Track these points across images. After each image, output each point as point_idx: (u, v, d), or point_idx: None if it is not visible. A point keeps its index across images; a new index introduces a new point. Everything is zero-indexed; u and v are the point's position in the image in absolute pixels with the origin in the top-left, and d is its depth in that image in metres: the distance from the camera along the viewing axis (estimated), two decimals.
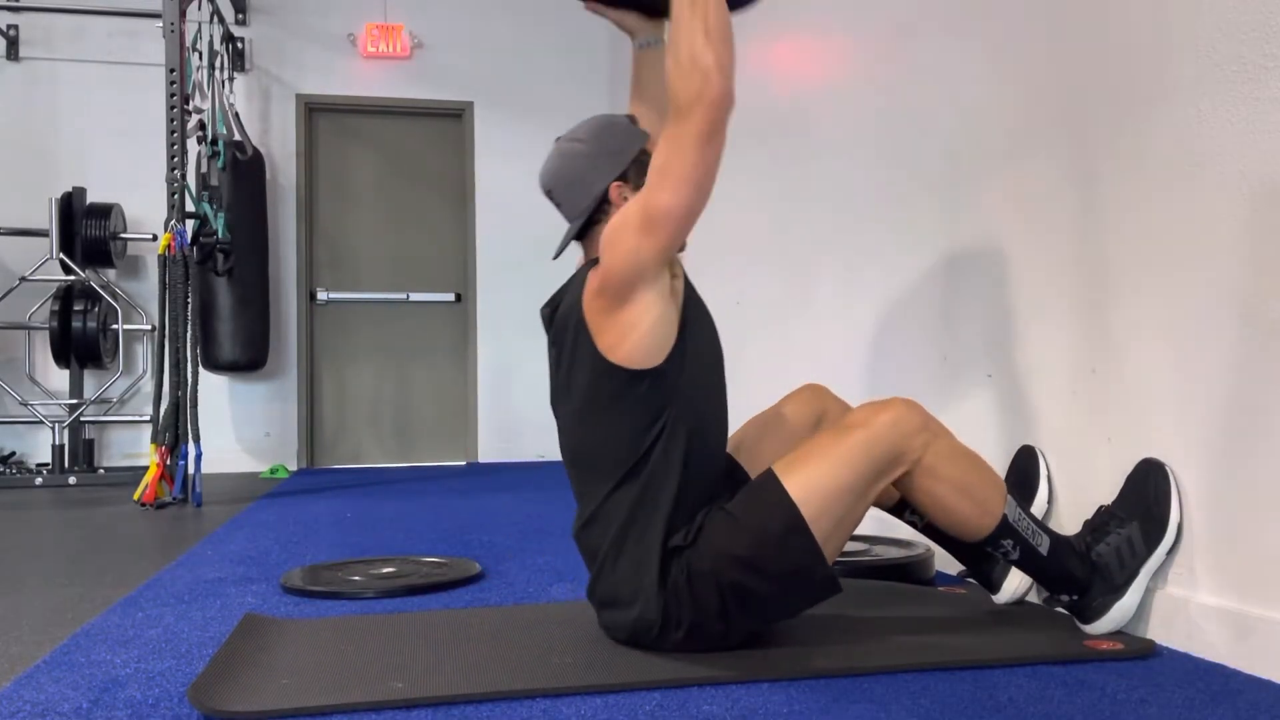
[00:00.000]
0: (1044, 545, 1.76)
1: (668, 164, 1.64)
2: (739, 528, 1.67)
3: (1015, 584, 1.98)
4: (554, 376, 1.84)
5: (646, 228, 1.65)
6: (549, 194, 1.87)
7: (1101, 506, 1.86)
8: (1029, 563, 1.78)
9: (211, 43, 5.42)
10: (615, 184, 1.80)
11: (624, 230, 1.67)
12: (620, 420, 1.71)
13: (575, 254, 1.94)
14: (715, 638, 1.71)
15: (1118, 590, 1.76)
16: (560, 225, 1.90)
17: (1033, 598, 2.08)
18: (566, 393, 1.80)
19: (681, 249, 1.82)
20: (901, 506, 1.95)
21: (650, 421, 1.70)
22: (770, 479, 1.69)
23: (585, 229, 1.85)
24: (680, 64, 1.63)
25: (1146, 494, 1.80)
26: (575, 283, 1.80)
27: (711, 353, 1.83)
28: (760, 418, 2.00)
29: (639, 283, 1.67)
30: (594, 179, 1.81)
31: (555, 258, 2.02)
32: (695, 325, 1.78)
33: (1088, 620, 1.79)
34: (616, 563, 1.72)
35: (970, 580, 2.09)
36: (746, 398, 3.76)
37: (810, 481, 1.66)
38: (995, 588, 2.00)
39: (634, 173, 1.80)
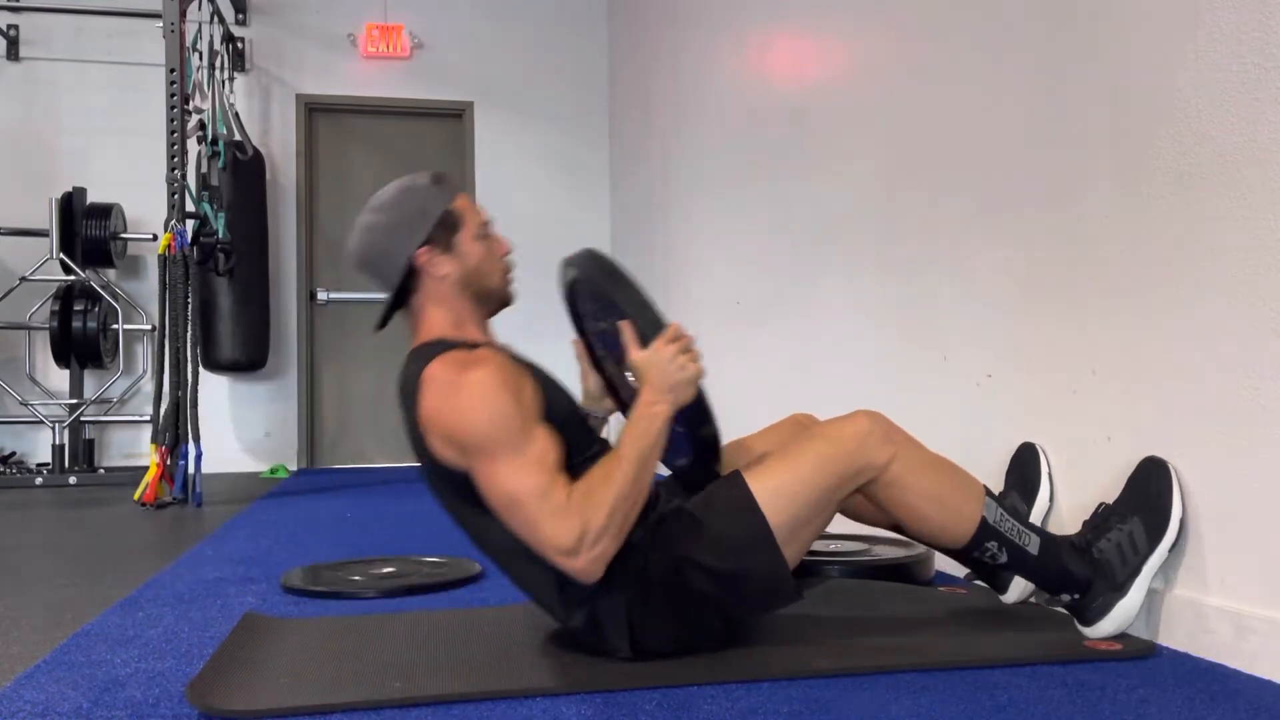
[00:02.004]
0: (1033, 545, 1.76)
1: (512, 505, 1.58)
2: (704, 533, 1.66)
3: (1023, 584, 1.97)
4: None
5: (470, 460, 1.60)
6: (362, 271, 1.79)
7: (1102, 504, 1.86)
8: (1020, 564, 1.78)
9: (211, 43, 5.42)
10: (422, 250, 1.72)
11: (458, 435, 1.59)
12: (480, 513, 1.65)
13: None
14: (693, 642, 1.70)
15: (1120, 589, 1.75)
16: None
17: (1037, 598, 2.08)
18: (435, 488, 1.74)
19: (507, 303, 1.82)
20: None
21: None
22: (736, 482, 1.69)
23: (401, 300, 1.77)
24: (586, 528, 1.55)
25: (1148, 490, 1.79)
26: (408, 382, 1.67)
27: (571, 414, 1.75)
28: (742, 441, 1.99)
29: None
30: (398, 249, 1.73)
31: (377, 329, 1.85)
32: (553, 405, 1.69)
33: (1090, 621, 1.76)
34: (570, 612, 1.70)
35: (977, 581, 2.08)
36: (746, 397, 3.77)
37: (774, 488, 1.67)
38: (1003, 588, 2.00)
39: (439, 235, 1.73)
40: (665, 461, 1.82)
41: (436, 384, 1.61)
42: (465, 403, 1.58)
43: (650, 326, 1.63)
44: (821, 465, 1.69)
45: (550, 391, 1.71)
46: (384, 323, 1.82)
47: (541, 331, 3.49)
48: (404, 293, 1.77)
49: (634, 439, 1.60)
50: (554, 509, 1.55)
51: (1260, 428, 1.63)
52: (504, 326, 1.86)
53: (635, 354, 1.64)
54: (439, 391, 1.61)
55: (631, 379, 1.70)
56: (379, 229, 1.76)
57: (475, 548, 1.77)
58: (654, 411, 1.61)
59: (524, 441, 1.58)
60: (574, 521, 1.54)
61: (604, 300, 1.71)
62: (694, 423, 1.71)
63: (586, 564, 1.56)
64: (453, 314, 1.76)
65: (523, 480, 1.56)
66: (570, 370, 1.92)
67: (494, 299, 1.81)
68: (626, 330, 1.65)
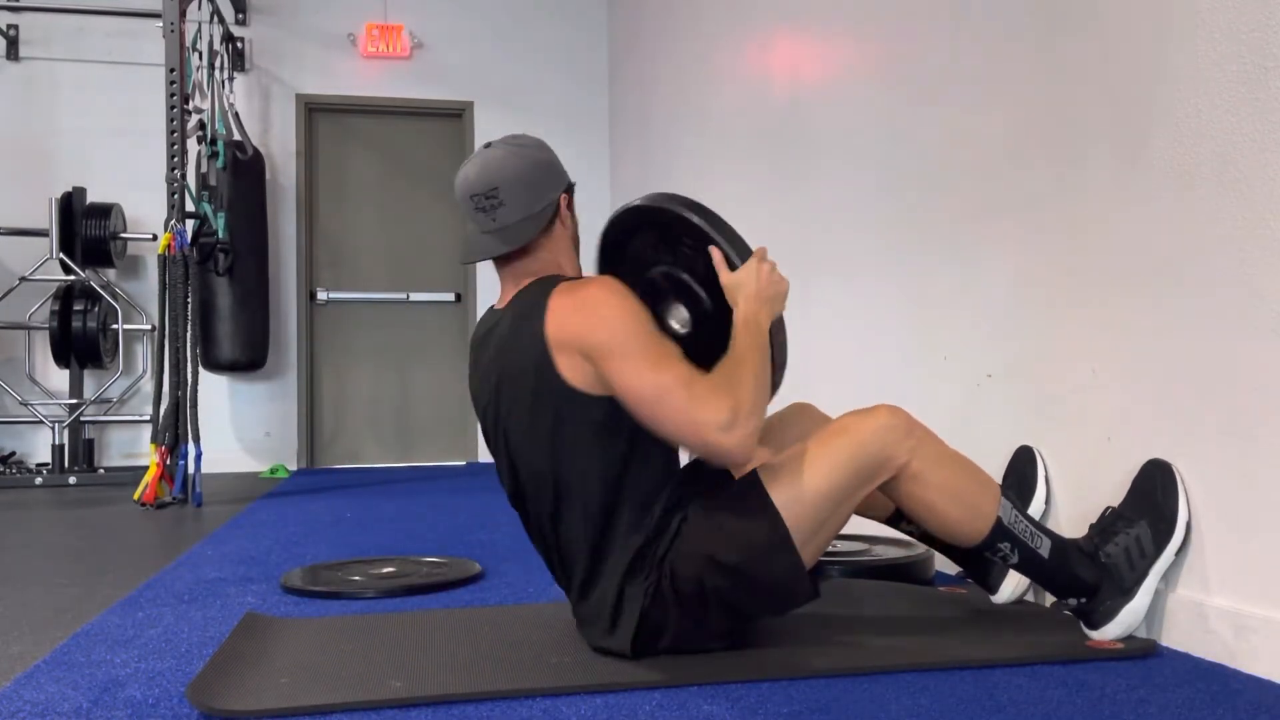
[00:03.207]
0: (1044, 547, 1.75)
1: (662, 395, 1.60)
2: (723, 533, 1.66)
3: (1014, 584, 1.98)
4: (496, 404, 1.75)
5: (604, 370, 1.64)
6: (489, 193, 1.72)
7: (1108, 508, 1.85)
8: (1030, 566, 1.77)
9: (211, 43, 5.42)
10: (565, 195, 1.81)
11: (608, 357, 1.63)
12: (586, 445, 1.68)
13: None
14: (699, 641, 1.70)
15: (1127, 593, 1.74)
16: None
17: (1031, 597, 2.08)
18: (513, 416, 1.73)
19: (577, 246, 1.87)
20: (898, 516, 1.95)
21: (620, 444, 1.68)
22: (754, 483, 1.69)
23: (533, 238, 1.76)
24: (739, 405, 1.60)
25: (1154, 494, 1.79)
26: (531, 308, 1.69)
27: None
28: None
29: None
30: (549, 185, 1.78)
31: (475, 260, 1.79)
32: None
33: (1096, 625, 1.76)
34: (592, 588, 1.72)
35: (970, 580, 2.09)
36: None
37: (794, 487, 1.67)
38: (994, 588, 2.00)
39: (570, 191, 1.84)
40: None
41: (569, 300, 1.67)
42: (600, 310, 1.65)
43: (740, 249, 1.74)
44: (842, 462, 1.68)
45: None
46: (507, 252, 1.76)
47: None
48: (540, 232, 1.78)
49: (748, 340, 1.67)
50: (704, 390, 1.60)
51: (1260, 428, 1.63)
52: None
53: (727, 276, 1.72)
54: (574, 305, 1.66)
55: (707, 303, 1.79)
56: (530, 159, 1.78)
57: (536, 511, 1.75)
58: (757, 320, 1.69)
59: (658, 340, 1.66)
60: (726, 399, 1.59)
61: (683, 233, 1.77)
62: (773, 335, 1.78)
63: (744, 438, 1.60)
64: (567, 260, 1.83)
65: (666, 372, 1.61)
66: None
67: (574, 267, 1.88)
68: (716, 255, 1.73)
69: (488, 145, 1.80)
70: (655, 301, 1.83)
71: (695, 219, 1.74)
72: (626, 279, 1.81)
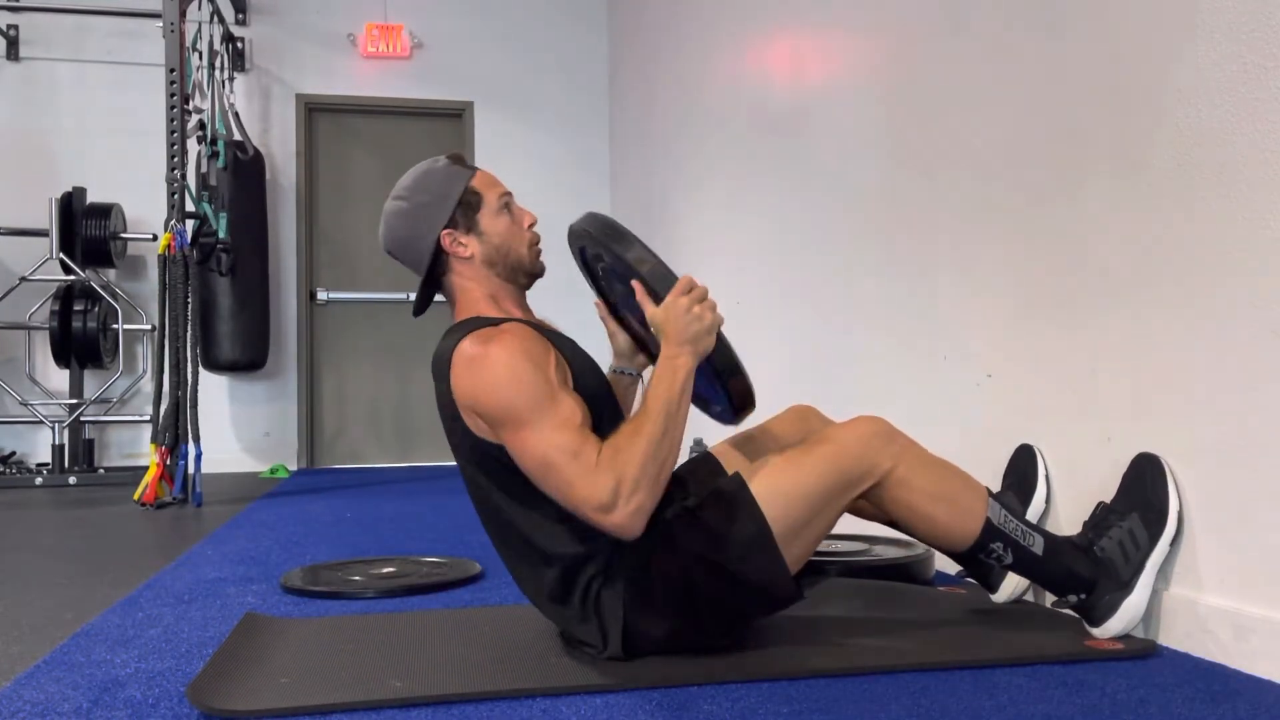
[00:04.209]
0: (1037, 545, 1.76)
1: (546, 469, 1.59)
2: (706, 531, 1.67)
3: (1014, 583, 1.98)
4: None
5: (502, 433, 1.62)
6: (391, 255, 1.81)
7: (1100, 503, 1.86)
8: (1025, 565, 1.77)
9: (211, 43, 5.42)
10: (445, 232, 1.75)
11: (487, 406, 1.61)
12: (516, 489, 1.67)
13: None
14: (695, 639, 1.70)
15: (1125, 587, 1.75)
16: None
17: (1031, 597, 2.08)
18: (460, 464, 1.76)
19: (537, 275, 1.82)
20: None
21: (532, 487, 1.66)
22: (737, 483, 1.69)
23: (432, 282, 1.80)
24: (614, 473, 1.55)
25: (1144, 486, 1.80)
26: (442, 362, 1.68)
27: (600, 389, 1.76)
28: (744, 434, 1.99)
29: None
30: (423, 232, 1.75)
31: (415, 315, 1.88)
32: (580, 379, 1.70)
33: (1097, 621, 1.76)
34: (564, 606, 1.71)
35: (969, 580, 2.09)
36: None
37: (776, 488, 1.67)
38: (994, 587, 2.00)
39: (461, 216, 1.76)
40: (705, 410, 1.88)
41: (464, 360, 1.63)
42: (490, 375, 1.60)
43: (660, 282, 1.64)
44: (824, 468, 1.69)
45: (579, 364, 1.72)
46: (421, 308, 1.85)
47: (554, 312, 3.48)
48: (435, 275, 1.80)
49: (658, 393, 1.61)
50: (586, 467, 1.56)
51: (1260, 428, 1.63)
52: (537, 299, 1.89)
53: (650, 310, 1.65)
54: (466, 367, 1.63)
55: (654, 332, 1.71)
56: (402, 214, 1.78)
57: (492, 537, 1.78)
58: (675, 364, 1.62)
59: (550, 406, 1.59)
60: (607, 477, 1.55)
61: (614, 260, 1.72)
62: (722, 372, 1.72)
63: (625, 518, 1.56)
64: (486, 291, 1.79)
65: (552, 442, 1.57)
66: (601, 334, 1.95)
67: (522, 272, 1.82)
68: (639, 289, 1.66)
69: (389, 199, 1.82)
70: (632, 307, 1.80)
71: (614, 247, 1.67)
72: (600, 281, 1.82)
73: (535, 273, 1.84)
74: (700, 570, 1.65)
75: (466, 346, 1.64)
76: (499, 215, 1.79)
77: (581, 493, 1.56)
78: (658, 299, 1.65)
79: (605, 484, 1.55)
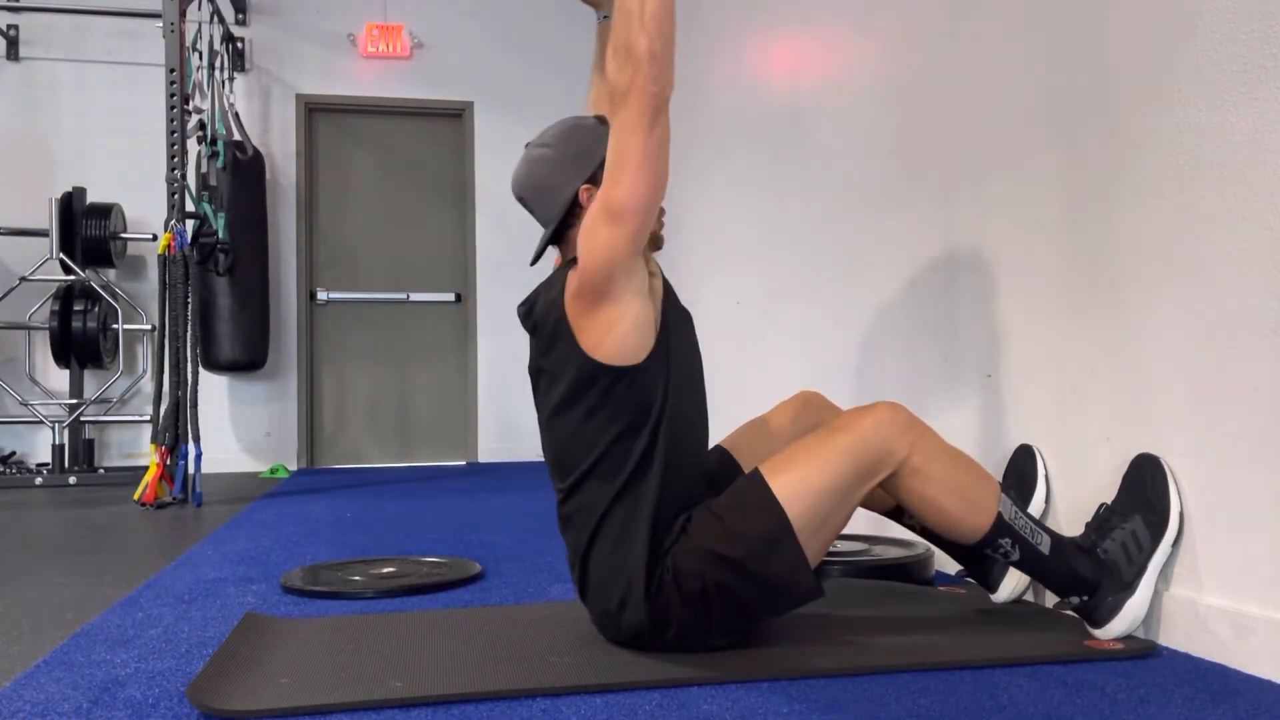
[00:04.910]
0: (1045, 544, 1.76)
1: (616, 155, 1.65)
2: (725, 528, 1.67)
3: (1014, 583, 1.98)
4: (533, 374, 1.84)
5: (611, 220, 1.65)
6: (521, 201, 1.87)
7: (1102, 504, 1.86)
8: (1031, 563, 1.77)
9: (211, 43, 5.42)
10: (584, 187, 1.80)
11: (593, 228, 1.68)
12: (601, 418, 1.71)
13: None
14: (703, 637, 1.71)
15: (1128, 588, 1.75)
16: None
17: (1030, 596, 2.08)
18: (547, 391, 1.80)
19: (657, 247, 1.84)
20: (900, 510, 1.95)
21: (631, 420, 1.70)
22: (756, 479, 1.69)
23: (558, 233, 1.85)
24: (616, 51, 1.62)
25: (1145, 487, 1.80)
26: (553, 282, 1.79)
27: (692, 354, 1.83)
28: (754, 422, 1.99)
29: (616, 278, 1.67)
30: (563, 183, 1.81)
31: (533, 263, 2.01)
32: (676, 327, 1.78)
33: (1100, 623, 1.76)
34: (598, 563, 1.72)
35: (969, 579, 2.09)
36: (746, 397, 3.77)
37: (795, 483, 1.67)
38: (994, 587, 2.00)
39: (601, 174, 1.79)
40: None
41: (573, 276, 1.72)
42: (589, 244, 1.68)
43: None
44: (843, 459, 1.68)
45: (676, 314, 1.80)
46: (539, 255, 1.92)
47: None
48: (563, 227, 1.83)
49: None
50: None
51: (1260, 428, 1.63)
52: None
53: None
54: (579, 246, 1.70)
55: None
56: (548, 162, 1.82)
57: (567, 523, 1.79)
58: None
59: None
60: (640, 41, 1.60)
61: None
62: None
63: (650, 67, 1.61)
64: None
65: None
66: None
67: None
68: None
69: (527, 145, 1.87)
70: None
71: None
72: None
73: (655, 244, 1.88)
74: (720, 565, 1.65)
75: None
76: None
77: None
78: None
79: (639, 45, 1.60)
